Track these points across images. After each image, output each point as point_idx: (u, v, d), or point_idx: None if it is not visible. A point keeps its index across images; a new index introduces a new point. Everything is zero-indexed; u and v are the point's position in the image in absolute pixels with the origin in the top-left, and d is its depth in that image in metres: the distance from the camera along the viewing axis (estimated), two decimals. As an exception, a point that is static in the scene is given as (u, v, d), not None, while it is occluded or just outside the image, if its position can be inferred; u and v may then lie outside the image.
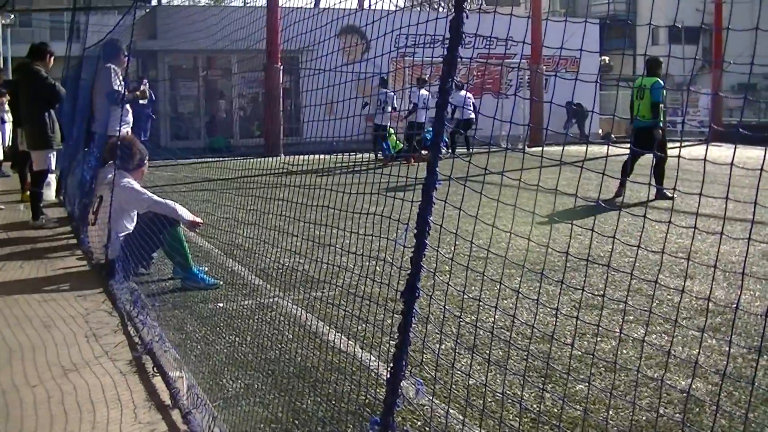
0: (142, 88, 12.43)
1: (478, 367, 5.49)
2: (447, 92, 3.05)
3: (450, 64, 3.03)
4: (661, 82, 14.67)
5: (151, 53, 32.54)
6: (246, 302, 7.34)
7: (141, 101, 11.97)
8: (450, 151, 22.34)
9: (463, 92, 24.23)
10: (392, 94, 23.90)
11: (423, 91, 23.24)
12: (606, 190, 12.42)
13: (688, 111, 39.79)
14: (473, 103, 25.06)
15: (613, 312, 6.91)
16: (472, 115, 24.78)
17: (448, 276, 6.85)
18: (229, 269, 8.68)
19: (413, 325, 3.11)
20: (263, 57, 26.48)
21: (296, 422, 4.55)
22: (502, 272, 7.26)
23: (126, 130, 10.18)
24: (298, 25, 6.23)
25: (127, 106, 10.53)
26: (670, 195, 13.24)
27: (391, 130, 25.04)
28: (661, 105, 14.61)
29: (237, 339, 6.13)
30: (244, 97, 36.05)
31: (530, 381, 5.26)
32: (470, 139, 25.12)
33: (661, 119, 14.41)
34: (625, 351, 5.96)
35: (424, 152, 21.56)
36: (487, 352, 5.63)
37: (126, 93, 10.52)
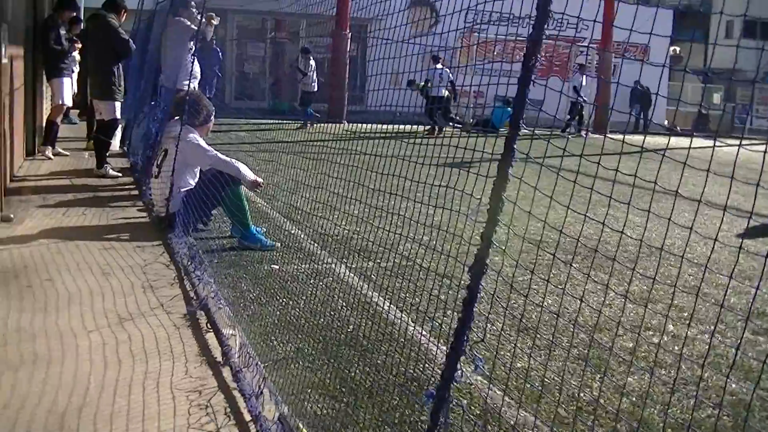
0: (212, 21, 12.34)
1: (535, 351, 5.47)
2: (530, 70, 3.01)
3: (536, 42, 2.99)
4: None
5: (221, 11, 32.60)
6: (302, 266, 7.35)
7: (215, 22, 11.87)
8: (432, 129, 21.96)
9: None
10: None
11: (438, 66, 23.24)
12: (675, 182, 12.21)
13: (757, 108, 39.29)
14: (449, 79, 24.59)
15: (671, 308, 6.83)
16: (445, 92, 24.59)
17: (516, 253, 6.83)
18: (287, 232, 8.70)
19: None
20: (332, 23, 26.46)
21: (343, 389, 4.56)
22: (573, 258, 7.22)
23: (194, 84, 10.20)
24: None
25: (192, 60, 10.55)
26: None
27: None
28: None
29: (290, 302, 6.15)
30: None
31: (583, 371, 5.23)
32: (446, 117, 24.71)
33: None
34: (677, 348, 5.89)
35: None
36: (546, 336, 5.61)
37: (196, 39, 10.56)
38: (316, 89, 25.91)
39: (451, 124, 22.35)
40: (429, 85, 23.40)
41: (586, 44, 29.74)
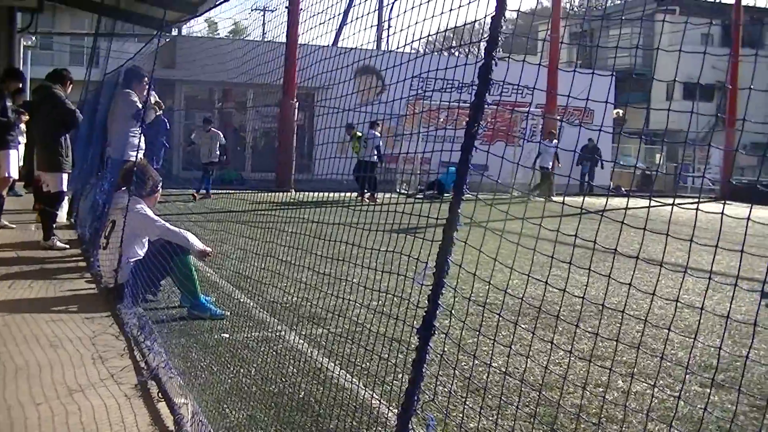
0: (153, 99, 12.39)
1: (486, 410, 5.52)
2: (473, 137, 3.11)
3: (477, 109, 3.09)
4: None
5: (168, 82, 32.73)
6: (252, 334, 7.36)
7: (158, 113, 11.95)
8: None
9: (375, 131, 24.58)
10: (378, 136, 24.21)
11: (375, 132, 23.52)
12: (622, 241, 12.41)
13: (699, 168, 39.91)
14: (375, 144, 24.87)
15: (617, 363, 6.93)
16: (375, 159, 24.75)
17: (464, 315, 6.89)
18: (236, 300, 8.71)
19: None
20: (279, 92, 26.65)
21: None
22: (517, 318, 7.30)
23: (140, 155, 10.24)
24: (314, 63, 6.30)
25: (138, 131, 10.58)
26: None
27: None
28: None
29: (241, 370, 6.16)
30: (257, 131, 36.29)
31: (536, 428, 5.29)
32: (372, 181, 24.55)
33: None
34: (628, 403, 5.97)
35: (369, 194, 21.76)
36: (494, 396, 5.66)
37: (143, 112, 10.59)
38: (216, 160, 25.61)
39: (398, 190, 22.56)
40: (365, 144, 23.68)
41: (532, 109, 30.17)
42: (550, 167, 29.41)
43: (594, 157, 33.98)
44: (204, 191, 24.59)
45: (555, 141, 29.13)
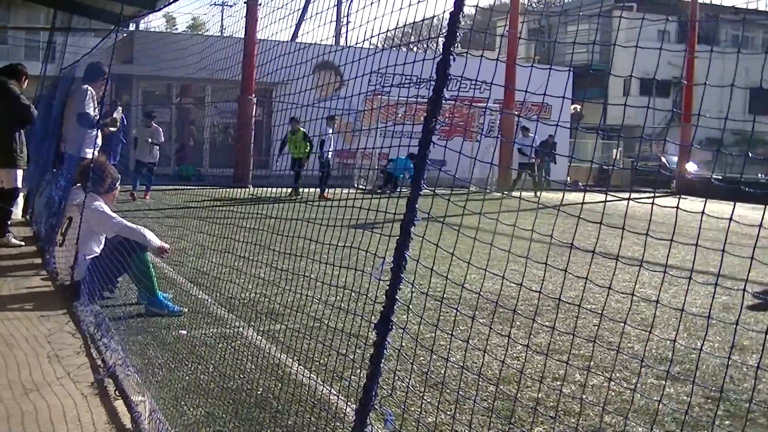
0: (114, 115, 12.33)
1: (444, 405, 5.53)
2: (431, 131, 3.11)
3: (435, 104, 3.10)
4: None
5: (125, 77, 32.54)
6: (210, 330, 7.33)
7: (111, 129, 11.91)
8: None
9: (330, 128, 23.73)
10: (334, 133, 23.97)
11: (330, 130, 23.27)
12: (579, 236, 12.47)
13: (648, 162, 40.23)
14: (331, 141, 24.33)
15: (574, 357, 6.97)
16: (330, 155, 24.52)
17: (421, 310, 6.90)
18: (194, 297, 8.67)
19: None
20: (238, 88, 26.57)
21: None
22: (474, 312, 7.32)
23: (96, 152, 10.16)
24: (273, 59, 6.28)
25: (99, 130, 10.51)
26: None
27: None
28: None
29: (199, 367, 6.13)
30: (216, 127, 36.17)
31: (494, 422, 5.31)
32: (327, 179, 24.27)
33: None
34: (585, 396, 6.01)
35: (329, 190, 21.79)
36: (452, 390, 5.68)
37: (98, 120, 10.51)
38: (154, 161, 23.76)
39: (356, 186, 22.54)
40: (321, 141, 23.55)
41: (490, 104, 30.27)
42: (534, 160, 29.69)
43: (552, 152, 34.18)
44: (144, 189, 22.56)
45: (531, 135, 29.28)
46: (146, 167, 22.95)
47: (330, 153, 23.92)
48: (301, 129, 23.57)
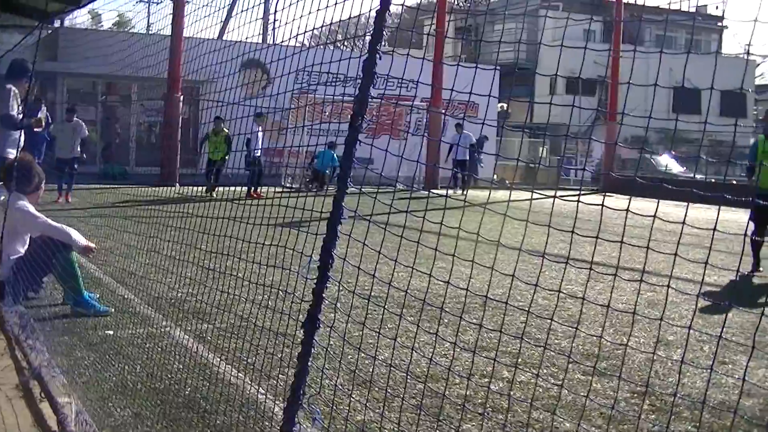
0: (39, 115, 12.14)
1: (373, 403, 5.55)
2: (357, 130, 3.12)
3: (361, 103, 3.11)
4: None
5: (50, 75, 32.09)
6: (137, 330, 7.28)
7: (36, 129, 11.74)
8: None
9: (258, 126, 23.43)
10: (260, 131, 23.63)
11: (258, 128, 22.85)
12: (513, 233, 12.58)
13: (581, 160, 40.65)
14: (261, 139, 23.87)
15: (502, 354, 7.03)
16: (259, 153, 24.10)
17: (349, 308, 6.91)
18: (121, 297, 8.60)
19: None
20: (164, 85, 26.37)
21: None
22: (402, 310, 7.35)
23: (16, 152, 10.01)
24: (200, 56, 6.26)
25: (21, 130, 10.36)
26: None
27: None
28: None
29: (126, 367, 6.08)
30: (142, 125, 35.88)
31: (423, 420, 5.33)
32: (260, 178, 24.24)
33: None
34: (513, 393, 6.06)
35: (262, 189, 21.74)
36: (380, 388, 5.69)
37: (22, 119, 10.36)
38: (77, 156, 21.94)
39: (283, 184, 22.47)
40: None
41: (417, 102, 30.34)
42: (467, 159, 29.82)
43: (479, 151, 34.38)
44: (64, 191, 21.19)
45: (466, 132, 29.38)
46: (68, 165, 21.34)
47: (259, 151, 23.63)
48: (225, 131, 23.06)
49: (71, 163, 21.53)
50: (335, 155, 25.54)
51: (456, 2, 58.18)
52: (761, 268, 12.28)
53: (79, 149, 21.83)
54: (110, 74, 24.37)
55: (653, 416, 5.72)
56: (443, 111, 27.74)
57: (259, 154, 23.59)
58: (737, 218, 7.09)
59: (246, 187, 21.98)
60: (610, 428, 5.37)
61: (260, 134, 22.39)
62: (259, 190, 22.50)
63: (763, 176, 12.64)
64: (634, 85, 3.37)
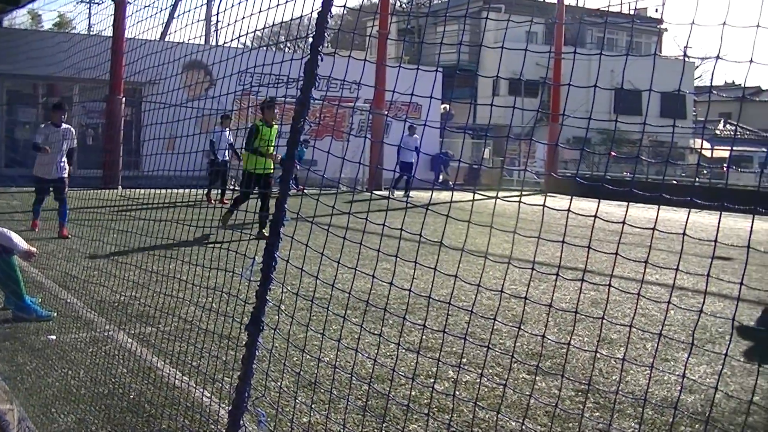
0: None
1: (319, 404, 5.55)
2: (299, 131, 3.13)
3: (303, 104, 3.12)
4: None
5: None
6: (80, 335, 7.22)
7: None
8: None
9: (226, 131, 23.01)
10: (227, 132, 23.20)
11: (227, 131, 22.48)
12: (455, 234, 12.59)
13: (524, 161, 40.90)
14: (229, 141, 23.37)
15: (447, 354, 7.06)
16: (226, 157, 23.59)
17: (293, 310, 6.91)
18: (63, 301, 8.51)
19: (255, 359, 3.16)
20: (106, 87, 26.15)
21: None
22: (346, 312, 7.36)
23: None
24: (142, 57, 6.23)
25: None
26: None
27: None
28: None
29: (70, 372, 6.04)
30: (84, 127, 35.52)
31: (368, 421, 5.34)
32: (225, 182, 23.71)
33: None
34: (458, 393, 6.09)
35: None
36: (326, 390, 5.70)
37: None
38: (59, 176, 18.29)
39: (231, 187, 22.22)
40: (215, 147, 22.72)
41: (360, 104, 30.33)
42: (413, 162, 29.78)
43: (447, 162, 34.54)
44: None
45: (416, 136, 29.40)
46: (55, 188, 18.63)
47: (225, 152, 23.11)
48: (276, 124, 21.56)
49: (59, 187, 14.59)
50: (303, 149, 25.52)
51: (399, 4, 58.31)
52: None
53: (67, 166, 14.96)
54: (51, 76, 24.08)
55: (597, 414, 5.78)
56: (386, 113, 27.78)
57: (227, 158, 23.12)
58: (678, 217, 7.19)
59: (205, 191, 21.67)
60: (554, 426, 5.43)
61: (227, 136, 22.09)
62: (223, 197, 22.04)
63: None
64: (575, 87, 3.41)
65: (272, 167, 13.03)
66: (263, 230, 10.92)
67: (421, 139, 29.87)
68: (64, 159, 14.64)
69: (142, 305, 7.34)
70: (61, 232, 13.23)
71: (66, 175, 14.54)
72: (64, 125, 14.91)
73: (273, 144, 13.31)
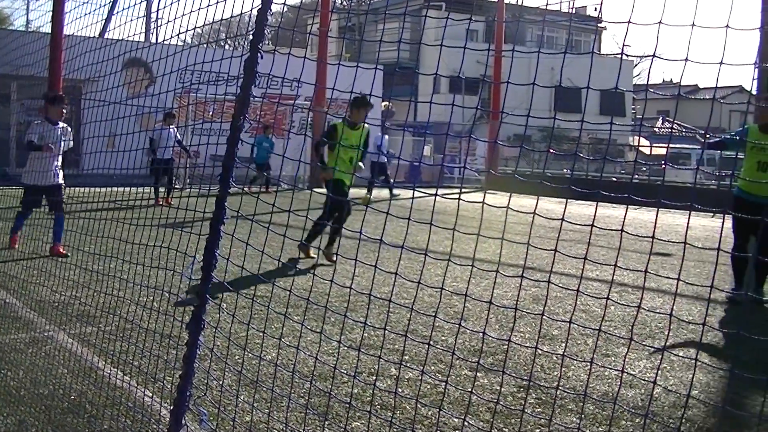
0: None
1: (261, 403, 5.54)
2: (239, 129, 3.13)
3: (242, 102, 3.12)
4: None
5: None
6: (19, 335, 7.15)
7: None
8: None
9: (171, 129, 22.06)
10: (174, 130, 22.65)
11: (172, 128, 21.76)
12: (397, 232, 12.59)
13: (464, 158, 41.09)
14: (176, 138, 22.52)
15: (389, 351, 7.08)
16: (169, 156, 22.55)
17: (234, 308, 6.90)
18: (2, 301, 8.42)
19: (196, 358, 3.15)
20: (44, 84, 25.87)
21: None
22: (287, 310, 7.35)
23: None
24: (81, 55, 6.18)
25: None
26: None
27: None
28: None
29: (9, 373, 5.98)
30: (22, 125, 35.11)
31: (311, 419, 5.35)
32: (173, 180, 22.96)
33: None
34: (401, 390, 6.12)
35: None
36: (267, 388, 5.70)
37: None
38: (55, 182, 18.44)
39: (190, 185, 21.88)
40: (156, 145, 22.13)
41: (300, 101, 30.28)
42: (384, 161, 29.69)
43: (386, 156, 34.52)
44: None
45: (379, 135, 29.30)
46: (50, 197, 18.45)
47: (169, 150, 22.46)
48: (366, 124, 18.44)
49: (55, 195, 11.73)
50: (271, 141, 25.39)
51: (340, 1, 58.30)
52: (749, 292, 10.60)
53: (60, 171, 12.37)
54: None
55: (539, 409, 5.84)
56: (326, 110, 27.79)
57: (169, 156, 22.48)
58: (618, 214, 7.27)
59: (152, 190, 21.24)
60: (496, 422, 5.47)
61: (173, 133, 21.48)
62: (169, 196, 21.55)
63: (747, 175, 10.19)
64: (515, 85, 3.45)
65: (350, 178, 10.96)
66: (331, 248, 9.14)
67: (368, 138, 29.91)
68: (59, 162, 12.27)
69: (82, 305, 7.29)
70: (54, 248, 9.97)
71: (62, 181, 12.12)
72: (61, 123, 12.39)
73: (359, 148, 11.50)
